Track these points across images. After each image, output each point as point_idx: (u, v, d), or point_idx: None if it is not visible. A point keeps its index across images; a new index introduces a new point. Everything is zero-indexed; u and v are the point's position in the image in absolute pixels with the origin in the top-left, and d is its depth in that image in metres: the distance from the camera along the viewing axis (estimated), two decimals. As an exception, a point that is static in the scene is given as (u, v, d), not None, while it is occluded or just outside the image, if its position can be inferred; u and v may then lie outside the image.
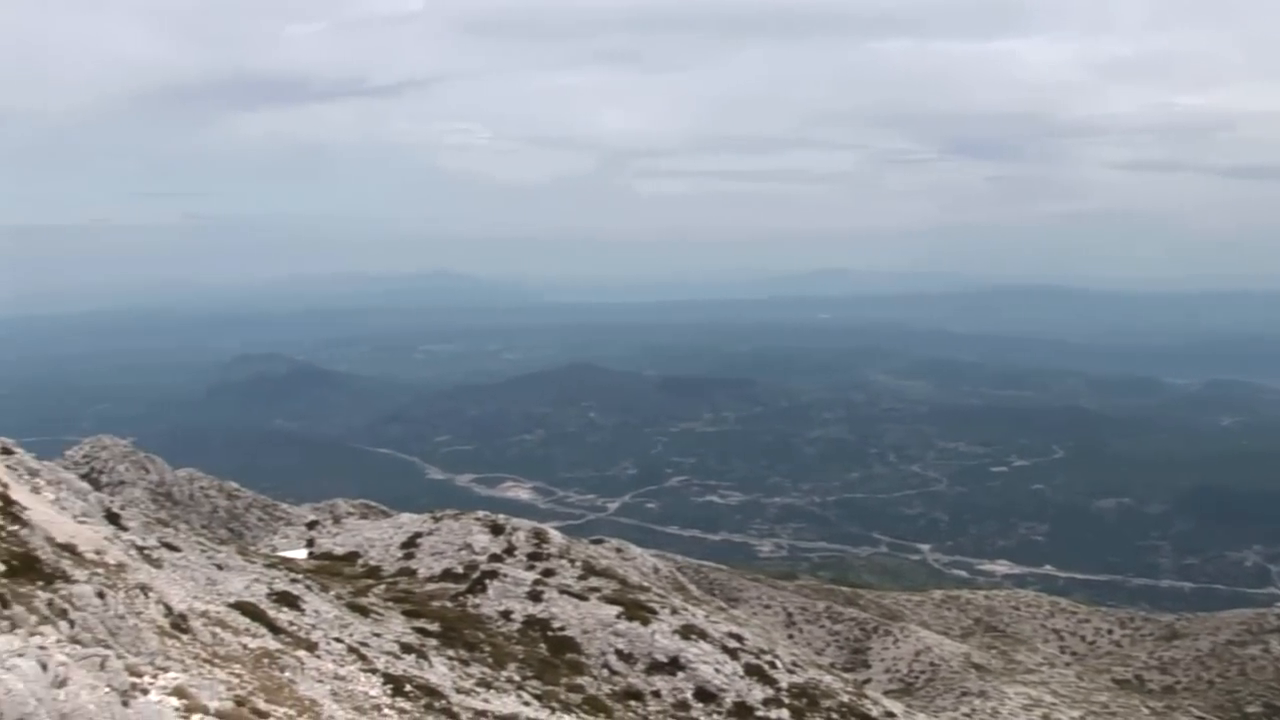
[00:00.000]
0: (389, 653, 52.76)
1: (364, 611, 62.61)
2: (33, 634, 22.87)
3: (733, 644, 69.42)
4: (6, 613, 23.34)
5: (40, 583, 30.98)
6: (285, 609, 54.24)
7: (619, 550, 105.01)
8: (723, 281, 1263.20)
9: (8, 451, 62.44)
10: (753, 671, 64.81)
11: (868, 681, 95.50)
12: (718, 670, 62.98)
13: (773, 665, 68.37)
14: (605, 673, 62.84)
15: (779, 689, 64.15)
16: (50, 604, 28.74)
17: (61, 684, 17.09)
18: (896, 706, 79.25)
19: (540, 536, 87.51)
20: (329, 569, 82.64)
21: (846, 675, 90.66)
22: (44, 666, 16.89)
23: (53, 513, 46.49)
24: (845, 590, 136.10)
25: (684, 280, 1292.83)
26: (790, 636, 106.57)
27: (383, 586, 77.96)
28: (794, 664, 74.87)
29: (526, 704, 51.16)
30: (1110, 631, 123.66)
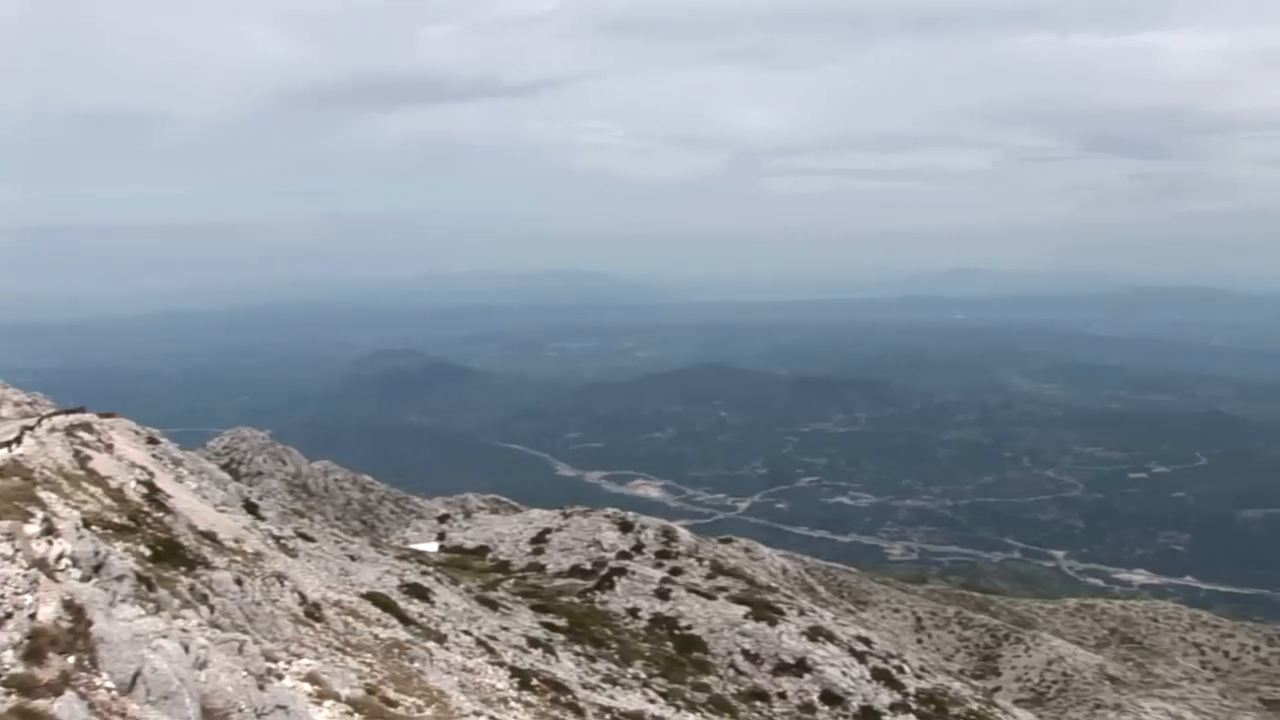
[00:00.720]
0: (516, 646, 53.33)
1: (493, 605, 63.39)
2: (176, 617, 23.59)
3: (860, 647, 68.90)
4: (152, 596, 24.13)
5: (183, 568, 31.98)
6: (416, 601, 55.13)
7: (748, 550, 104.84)
8: (855, 281, 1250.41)
9: (153, 441, 64.47)
10: (880, 676, 64.25)
11: (997, 690, 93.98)
12: (844, 673, 62.56)
13: (900, 670, 67.71)
14: (731, 672, 62.82)
15: (906, 694, 63.50)
16: (192, 589, 29.64)
17: (202, 666, 17.60)
18: (1027, 717, 77.93)
19: (669, 535, 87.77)
20: (459, 562, 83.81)
21: (976, 682, 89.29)
22: (186, 648, 17.42)
23: (195, 501, 47.89)
24: (976, 596, 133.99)
25: (816, 279, 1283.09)
26: (919, 641, 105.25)
27: (511, 581, 78.84)
28: (922, 669, 74.02)
29: (652, 701, 51.33)
30: (1257, 649, 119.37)
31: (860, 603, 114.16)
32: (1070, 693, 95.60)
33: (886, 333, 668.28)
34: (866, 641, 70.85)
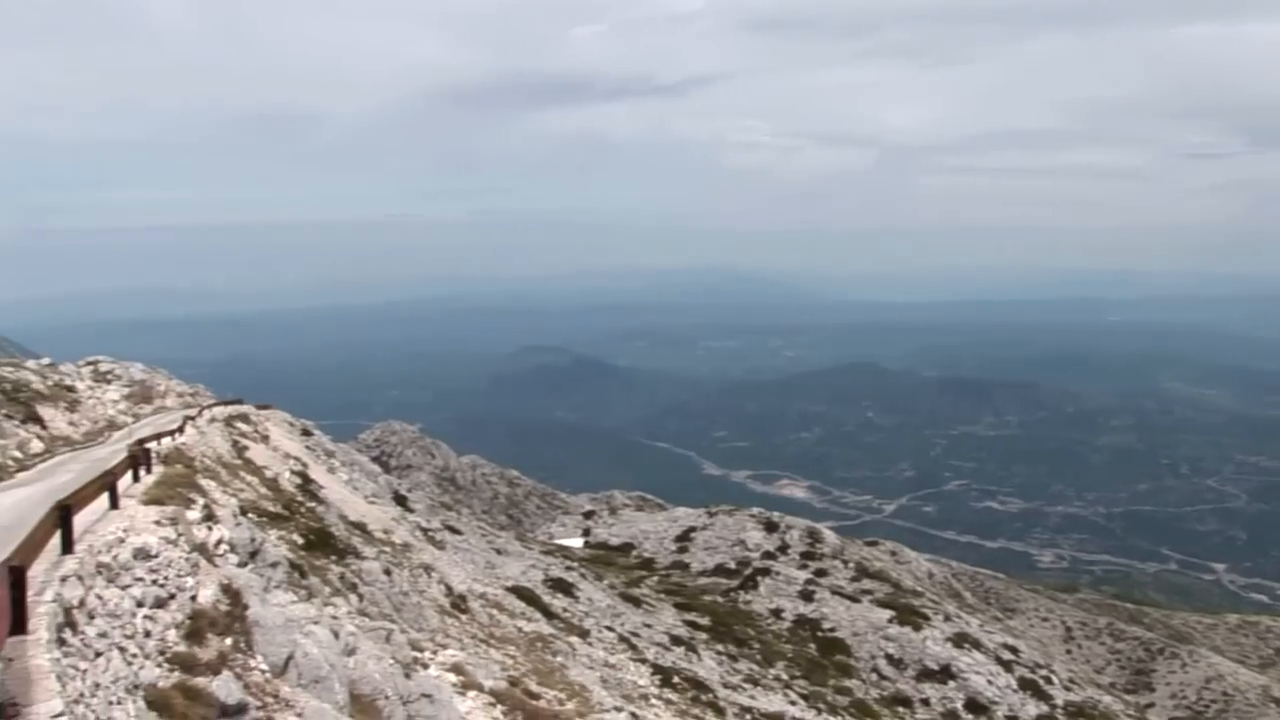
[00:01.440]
0: (659, 644, 53.61)
1: (636, 602, 63.80)
2: (326, 604, 24.25)
3: (1007, 655, 67.75)
4: (304, 582, 24.84)
5: (334, 557, 32.85)
6: (560, 595, 55.75)
7: (893, 553, 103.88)
8: (1007, 281, 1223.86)
9: (307, 433, 66.27)
10: (1027, 685, 63.10)
11: (1150, 706, 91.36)
12: (990, 682, 61.58)
13: (1049, 680, 66.40)
14: (874, 677, 62.29)
15: (1054, 706, 62.25)
16: (342, 577, 30.43)
17: (351, 652, 18.09)
18: (1182, 732, 75.82)
19: (814, 536, 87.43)
20: (603, 558, 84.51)
21: (1128, 697, 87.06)
22: (336, 635, 17.92)
23: (346, 492, 49.10)
24: (1129, 607, 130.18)
25: (966, 279, 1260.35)
26: (1068, 652, 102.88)
27: (655, 578, 79.26)
28: (1071, 681, 72.49)
29: (793, 703, 51.15)
30: None
31: (1008, 610, 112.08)
32: (1230, 714, 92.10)
33: (1038, 334, 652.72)
34: (1014, 650, 69.68)
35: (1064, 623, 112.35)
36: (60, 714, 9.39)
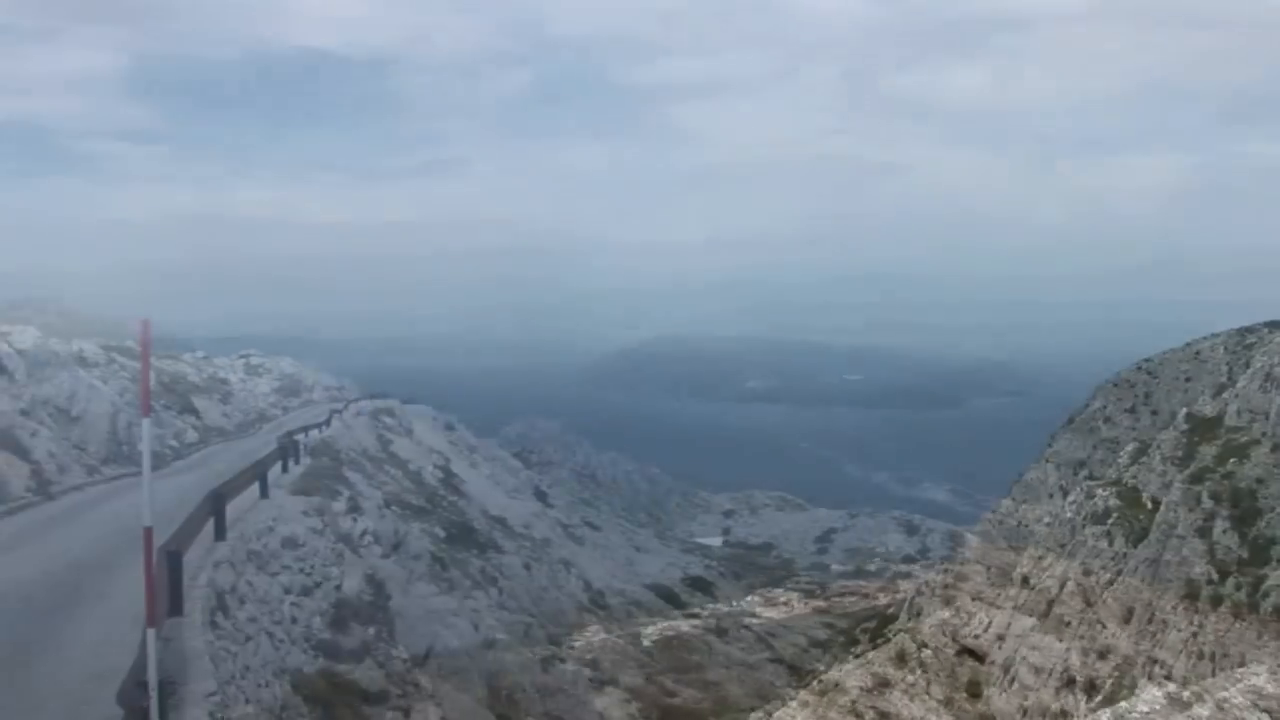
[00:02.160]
0: (796, 645, 53.36)
1: (773, 602, 63.56)
2: (466, 597, 24.70)
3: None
4: (445, 575, 25.30)
5: (474, 550, 33.36)
6: (698, 593, 55.82)
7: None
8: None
9: (450, 428, 67.40)
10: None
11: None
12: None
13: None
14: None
15: None
16: (482, 570, 30.89)
17: (490, 645, 18.41)
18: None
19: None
20: (742, 557, 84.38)
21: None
22: (475, 627, 18.27)
23: (487, 486, 49.81)
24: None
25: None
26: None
27: (794, 578, 78.90)
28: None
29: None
30: None
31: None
32: None
33: None
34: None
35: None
36: (213, 694, 9.75)
